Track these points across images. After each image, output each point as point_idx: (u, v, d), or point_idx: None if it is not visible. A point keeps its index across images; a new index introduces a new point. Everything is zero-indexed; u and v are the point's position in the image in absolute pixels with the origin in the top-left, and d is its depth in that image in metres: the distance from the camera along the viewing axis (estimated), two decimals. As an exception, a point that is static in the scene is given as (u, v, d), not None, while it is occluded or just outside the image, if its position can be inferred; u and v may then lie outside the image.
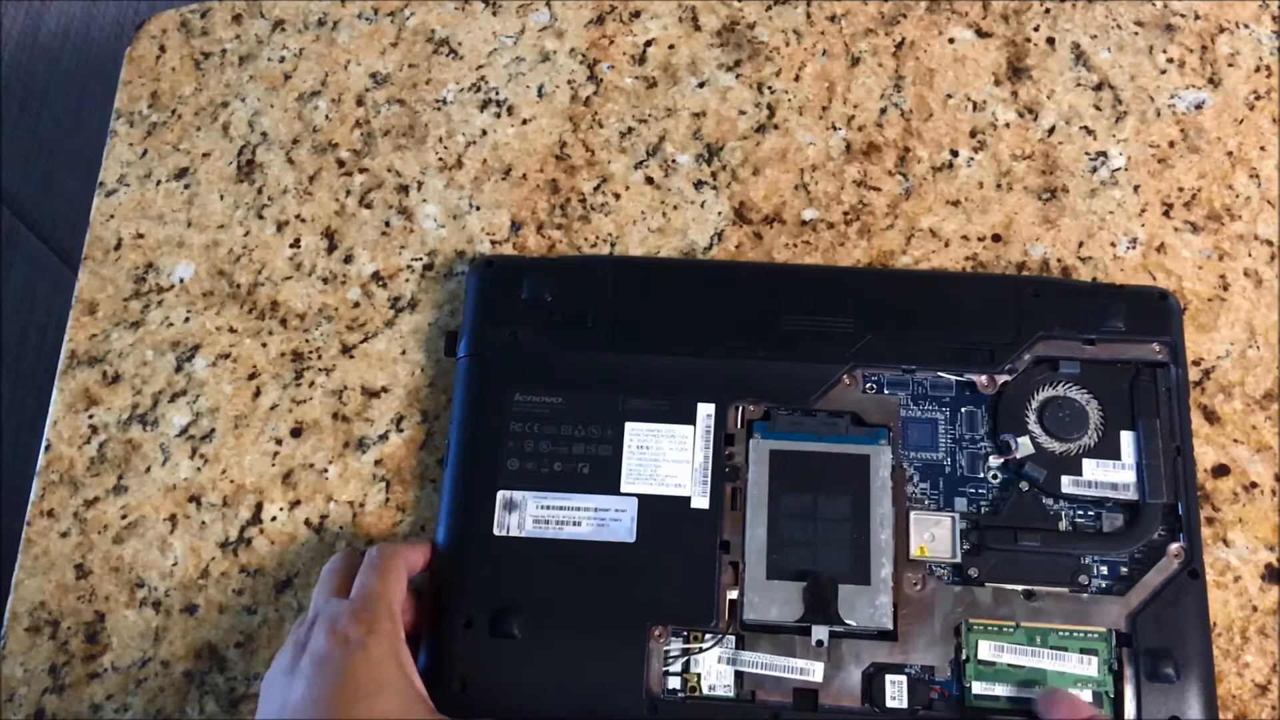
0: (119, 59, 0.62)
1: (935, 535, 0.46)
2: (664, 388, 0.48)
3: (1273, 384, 0.50)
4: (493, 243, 0.55)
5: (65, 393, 0.54)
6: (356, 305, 0.54)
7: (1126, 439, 0.47)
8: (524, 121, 0.58)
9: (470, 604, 0.45)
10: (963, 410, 0.48)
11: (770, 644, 0.45)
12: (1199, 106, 0.56)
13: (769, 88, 0.58)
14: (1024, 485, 0.47)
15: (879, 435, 0.47)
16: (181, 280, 0.56)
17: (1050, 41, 0.58)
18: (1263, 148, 0.55)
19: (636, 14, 0.60)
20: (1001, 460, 0.47)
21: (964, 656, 0.44)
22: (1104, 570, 0.46)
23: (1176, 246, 0.53)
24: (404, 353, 0.53)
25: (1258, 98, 0.56)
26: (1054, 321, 0.49)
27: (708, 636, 0.45)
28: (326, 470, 0.51)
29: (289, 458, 0.52)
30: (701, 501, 0.46)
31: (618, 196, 0.56)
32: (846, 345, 0.49)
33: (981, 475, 0.47)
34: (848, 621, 0.44)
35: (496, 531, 0.46)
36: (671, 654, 0.45)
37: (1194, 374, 0.51)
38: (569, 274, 0.51)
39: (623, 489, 0.47)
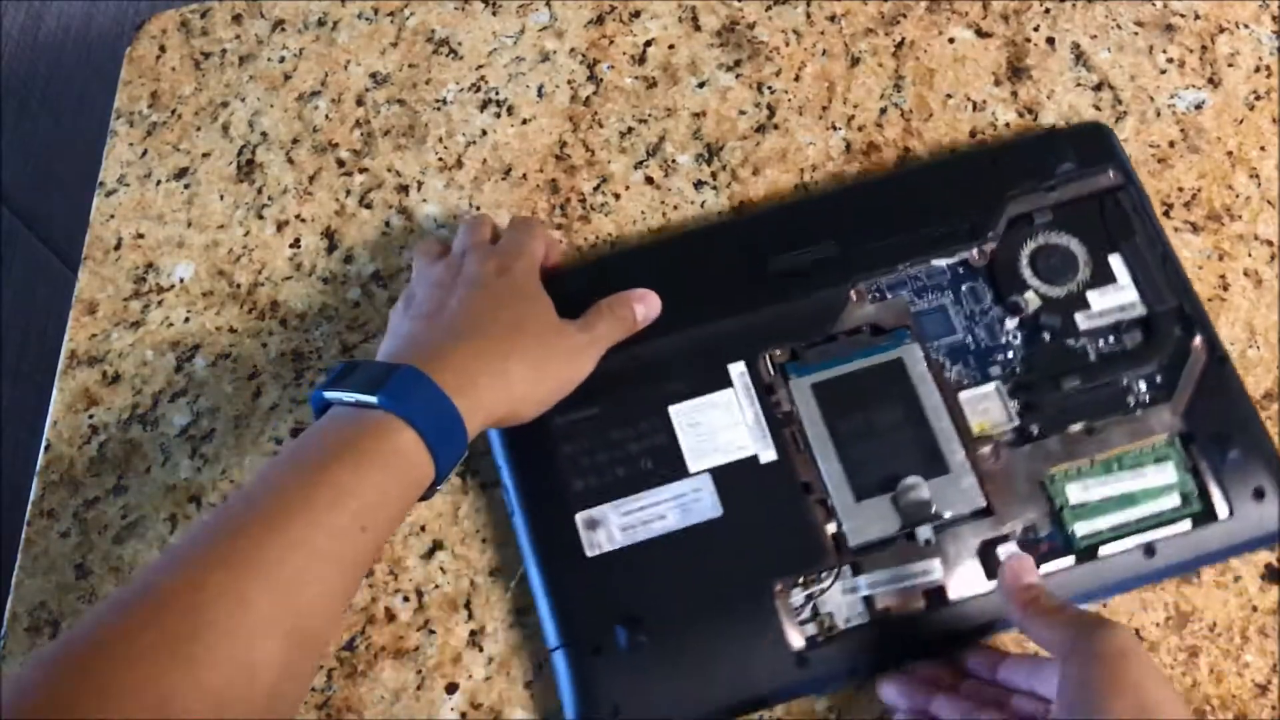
0: (119, 59, 0.62)
1: (987, 409, 0.48)
2: (690, 362, 0.48)
3: (1273, 384, 0.50)
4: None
5: (65, 393, 0.54)
6: (356, 305, 0.54)
7: (1116, 262, 0.50)
8: (524, 121, 0.58)
9: (591, 631, 0.45)
10: (964, 288, 0.50)
11: (884, 560, 0.45)
12: (1199, 106, 0.56)
13: (769, 88, 0.58)
14: (1045, 335, 0.49)
15: (901, 336, 0.48)
16: (181, 280, 0.56)
17: (1050, 41, 0.58)
18: (1263, 148, 0.55)
19: (636, 14, 0.60)
20: (1017, 320, 0.49)
21: (1057, 506, 0.46)
22: (1143, 385, 0.48)
23: (1177, 246, 0.53)
24: (404, 353, 0.53)
25: (1258, 98, 0.56)
26: (1015, 181, 0.51)
27: (824, 576, 0.45)
28: (326, 470, 0.51)
29: (289, 458, 0.52)
30: (769, 454, 0.47)
31: (618, 196, 0.56)
32: (840, 266, 0.50)
33: (1004, 341, 0.49)
34: (944, 513, 0.45)
35: (589, 553, 0.46)
36: (797, 605, 0.45)
37: (1194, 374, 0.51)
38: (561, 286, 0.50)
39: (691, 469, 0.47)
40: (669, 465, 0.47)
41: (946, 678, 0.44)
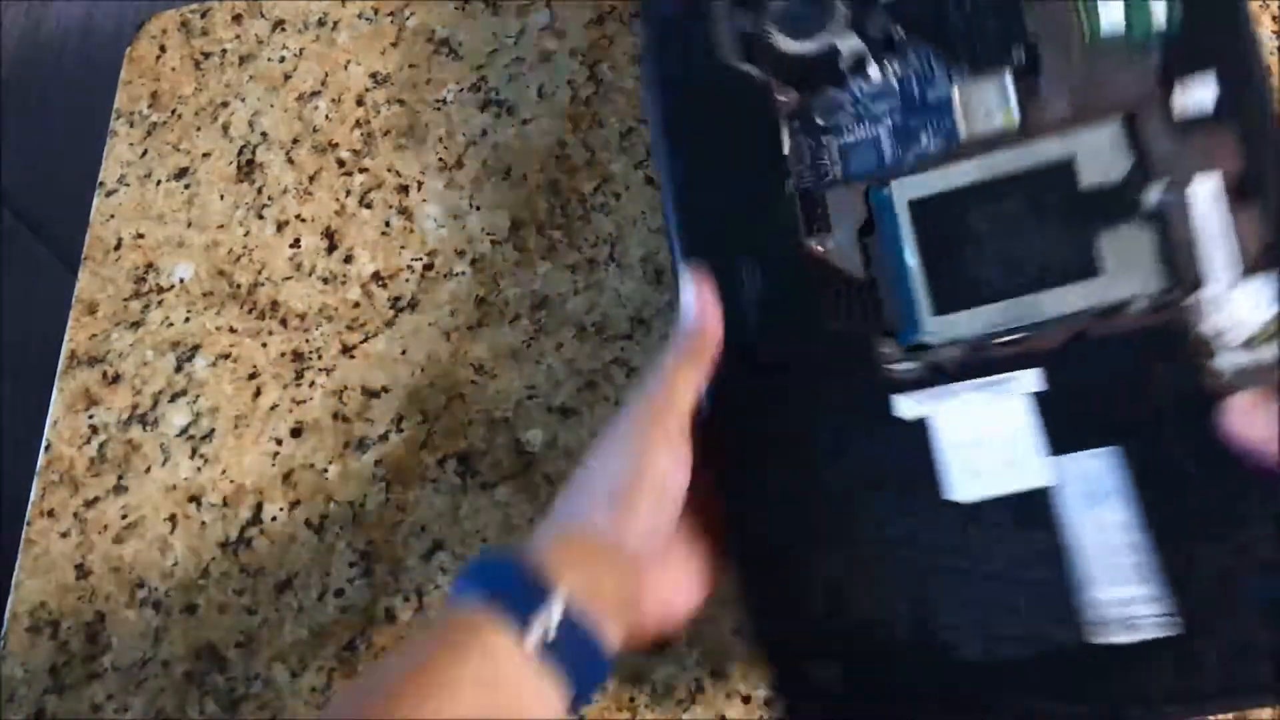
0: (119, 59, 0.62)
1: (987, 108, 0.38)
2: (882, 446, 0.37)
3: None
4: (493, 243, 0.55)
5: (65, 393, 0.54)
6: (356, 305, 0.54)
7: None
8: (524, 122, 0.58)
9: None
10: (820, 120, 0.40)
11: (1182, 235, 0.35)
12: (1199, 106, 0.56)
13: (769, 88, 0.58)
14: (908, 54, 0.39)
15: (879, 194, 0.38)
16: (181, 280, 0.56)
17: (1050, 41, 0.58)
18: (1263, 148, 0.55)
19: (637, 14, 0.60)
20: (879, 72, 0.39)
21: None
22: None
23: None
24: (404, 353, 0.53)
25: (1258, 98, 0.56)
26: (697, 33, 0.42)
27: (1202, 318, 0.34)
28: (326, 470, 0.51)
29: (289, 458, 0.52)
30: (1036, 380, 0.35)
31: (618, 197, 0.56)
32: (776, 239, 0.40)
33: (902, 88, 0.39)
34: (1131, 167, 0.35)
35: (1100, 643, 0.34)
36: (1240, 364, 0.34)
37: (1194, 374, 0.51)
38: None
39: (1046, 470, 0.35)
40: (1033, 505, 0.35)
41: None
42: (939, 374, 0.36)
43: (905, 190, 0.38)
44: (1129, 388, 0.35)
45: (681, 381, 0.38)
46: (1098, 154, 0.35)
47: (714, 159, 0.42)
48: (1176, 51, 0.35)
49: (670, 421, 0.37)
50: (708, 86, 0.41)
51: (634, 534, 0.35)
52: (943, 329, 0.37)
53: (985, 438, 0.35)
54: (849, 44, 0.40)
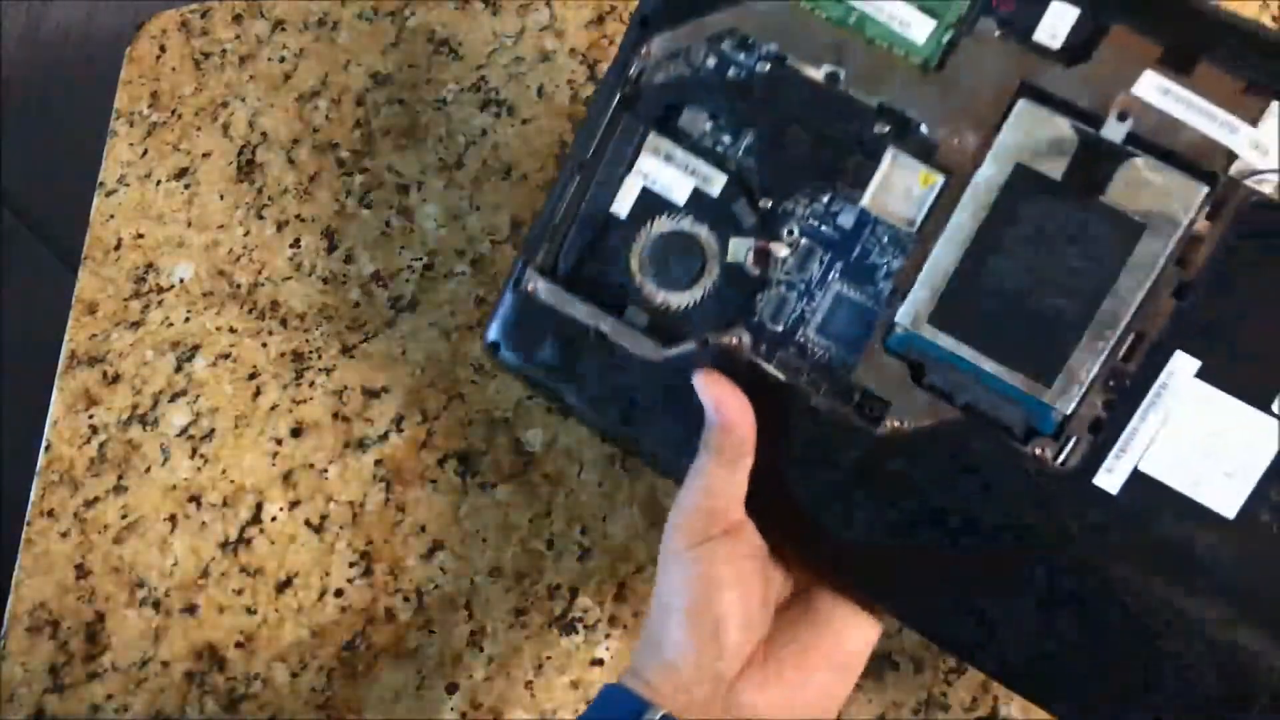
0: (119, 59, 0.62)
1: (903, 190, 0.35)
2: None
3: (1273, 384, 0.50)
4: (493, 243, 0.55)
5: (65, 393, 0.54)
6: (356, 305, 0.54)
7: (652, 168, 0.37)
8: (524, 121, 0.58)
9: None
10: (777, 324, 0.37)
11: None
12: (1199, 106, 0.56)
13: (769, 88, 0.58)
14: (797, 213, 0.36)
15: (895, 337, 0.35)
16: (181, 280, 0.56)
17: (1050, 41, 0.58)
18: (1263, 148, 0.55)
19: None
20: (783, 248, 0.37)
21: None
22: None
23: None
24: (404, 353, 0.53)
25: (1258, 98, 0.56)
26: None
27: None
28: (326, 470, 0.51)
29: (289, 458, 0.52)
30: (1190, 364, 0.32)
31: (618, 196, 0.56)
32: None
33: (815, 239, 0.36)
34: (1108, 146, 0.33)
35: None
36: None
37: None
38: None
39: (1271, 419, 0.32)
40: None
41: None
42: (1102, 428, 0.33)
43: (913, 316, 0.34)
44: (1271, 292, 0.31)
45: (719, 484, 0.36)
46: (1035, 139, 0.33)
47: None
48: (997, 4, 0.33)
49: (715, 530, 0.35)
50: (655, 397, 0.37)
51: (729, 658, 0.34)
52: (1065, 390, 0.33)
53: (1201, 445, 0.32)
54: (738, 249, 0.37)
